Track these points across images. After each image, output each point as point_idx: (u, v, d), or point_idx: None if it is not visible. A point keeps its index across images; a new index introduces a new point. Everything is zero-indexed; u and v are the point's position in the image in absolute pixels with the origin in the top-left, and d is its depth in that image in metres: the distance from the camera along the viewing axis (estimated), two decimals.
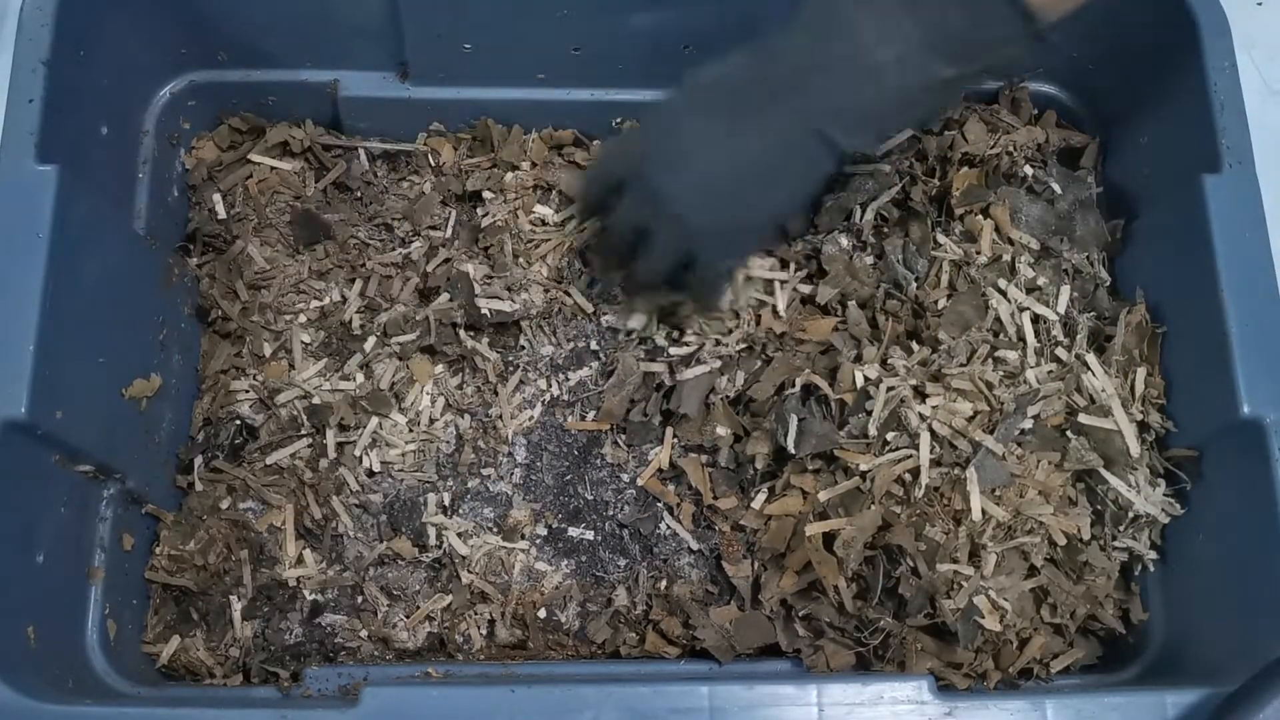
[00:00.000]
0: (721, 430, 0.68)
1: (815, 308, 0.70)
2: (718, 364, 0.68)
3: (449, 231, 0.74)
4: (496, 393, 0.70)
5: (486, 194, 0.74)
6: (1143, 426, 0.66)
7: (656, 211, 0.59)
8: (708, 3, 0.69)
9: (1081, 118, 0.76)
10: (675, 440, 0.69)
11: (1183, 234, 0.65)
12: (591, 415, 0.71)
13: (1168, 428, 0.66)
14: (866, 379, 0.65)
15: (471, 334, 0.71)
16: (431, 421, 0.69)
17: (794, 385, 0.67)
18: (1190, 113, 0.66)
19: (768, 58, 0.56)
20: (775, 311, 0.70)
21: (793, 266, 0.71)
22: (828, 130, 0.55)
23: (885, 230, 0.71)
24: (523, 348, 0.72)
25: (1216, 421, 0.62)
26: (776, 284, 0.70)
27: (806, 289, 0.70)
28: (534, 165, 0.74)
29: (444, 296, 0.71)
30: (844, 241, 0.71)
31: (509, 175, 0.74)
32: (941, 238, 0.70)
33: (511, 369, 0.71)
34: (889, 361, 0.66)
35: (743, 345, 0.69)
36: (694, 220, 0.58)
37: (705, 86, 0.58)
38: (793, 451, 0.64)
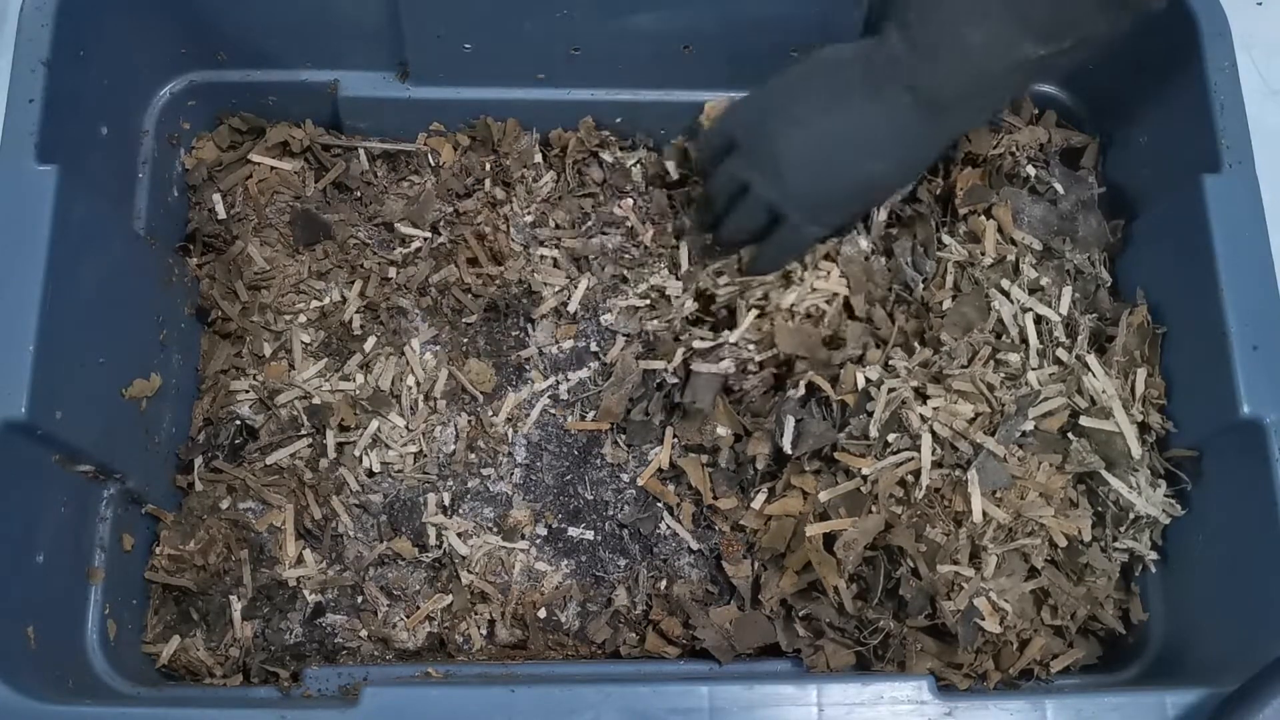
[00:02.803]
0: (721, 430, 0.68)
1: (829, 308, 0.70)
2: (732, 363, 0.68)
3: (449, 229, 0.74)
4: (497, 392, 0.70)
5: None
6: (1143, 427, 0.66)
7: (762, 170, 0.63)
8: (708, 3, 0.69)
9: (1081, 118, 0.76)
10: (675, 440, 0.69)
11: (1183, 234, 0.65)
12: (591, 415, 0.70)
13: (1168, 428, 0.66)
14: (868, 380, 0.65)
15: (472, 328, 0.71)
16: (431, 423, 0.69)
17: (795, 385, 0.66)
18: (1190, 113, 0.66)
19: (876, 44, 0.59)
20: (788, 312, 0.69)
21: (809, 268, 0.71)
22: (932, 111, 0.58)
23: (894, 232, 0.71)
24: (525, 346, 0.72)
25: (1216, 422, 0.62)
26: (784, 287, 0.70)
27: (822, 286, 0.70)
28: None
29: (443, 293, 0.71)
30: (863, 243, 0.70)
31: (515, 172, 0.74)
32: (946, 238, 0.70)
33: (512, 368, 0.71)
34: (890, 363, 0.66)
35: (767, 354, 0.68)
36: (795, 182, 0.62)
37: (824, 64, 0.62)
38: (789, 452, 0.64)
